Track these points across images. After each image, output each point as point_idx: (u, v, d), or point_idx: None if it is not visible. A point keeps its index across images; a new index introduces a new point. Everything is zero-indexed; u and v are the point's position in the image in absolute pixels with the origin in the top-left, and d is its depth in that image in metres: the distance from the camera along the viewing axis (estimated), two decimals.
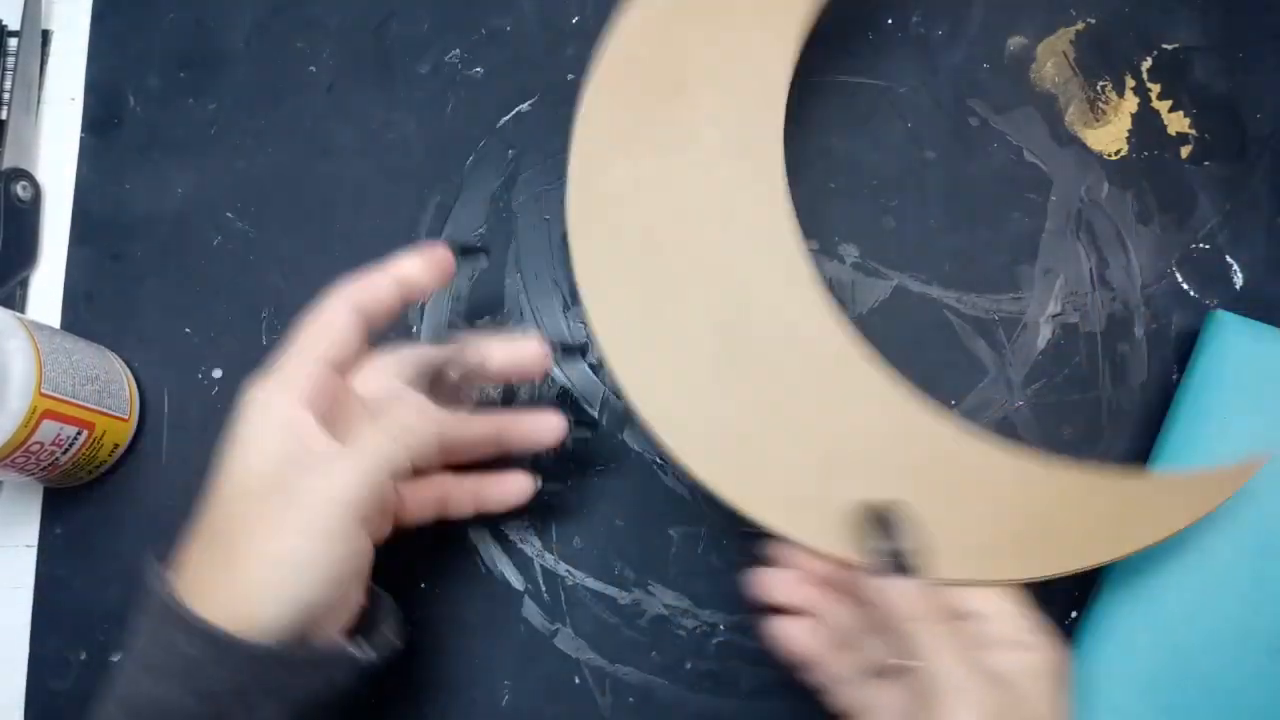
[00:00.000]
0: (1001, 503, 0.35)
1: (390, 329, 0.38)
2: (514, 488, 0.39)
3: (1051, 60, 0.47)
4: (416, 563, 0.43)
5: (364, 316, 0.36)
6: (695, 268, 0.38)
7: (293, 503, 0.31)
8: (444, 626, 0.43)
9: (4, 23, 0.50)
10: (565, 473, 0.43)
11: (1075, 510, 0.35)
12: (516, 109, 0.48)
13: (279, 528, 0.31)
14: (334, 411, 0.34)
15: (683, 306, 0.37)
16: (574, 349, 0.45)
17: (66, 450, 0.42)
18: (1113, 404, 0.43)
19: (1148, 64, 0.47)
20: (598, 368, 0.45)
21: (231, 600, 0.31)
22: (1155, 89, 0.47)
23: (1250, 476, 0.35)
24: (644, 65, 0.40)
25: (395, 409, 0.35)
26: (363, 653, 0.34)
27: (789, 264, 0.38)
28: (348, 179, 0.48)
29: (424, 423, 0.35)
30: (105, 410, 0.43)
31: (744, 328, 0.37)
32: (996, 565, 0.34)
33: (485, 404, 0.41)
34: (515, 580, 0.43)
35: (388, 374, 0.37)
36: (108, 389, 0.43)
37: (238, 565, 0.31)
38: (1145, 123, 0.46)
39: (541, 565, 0.43)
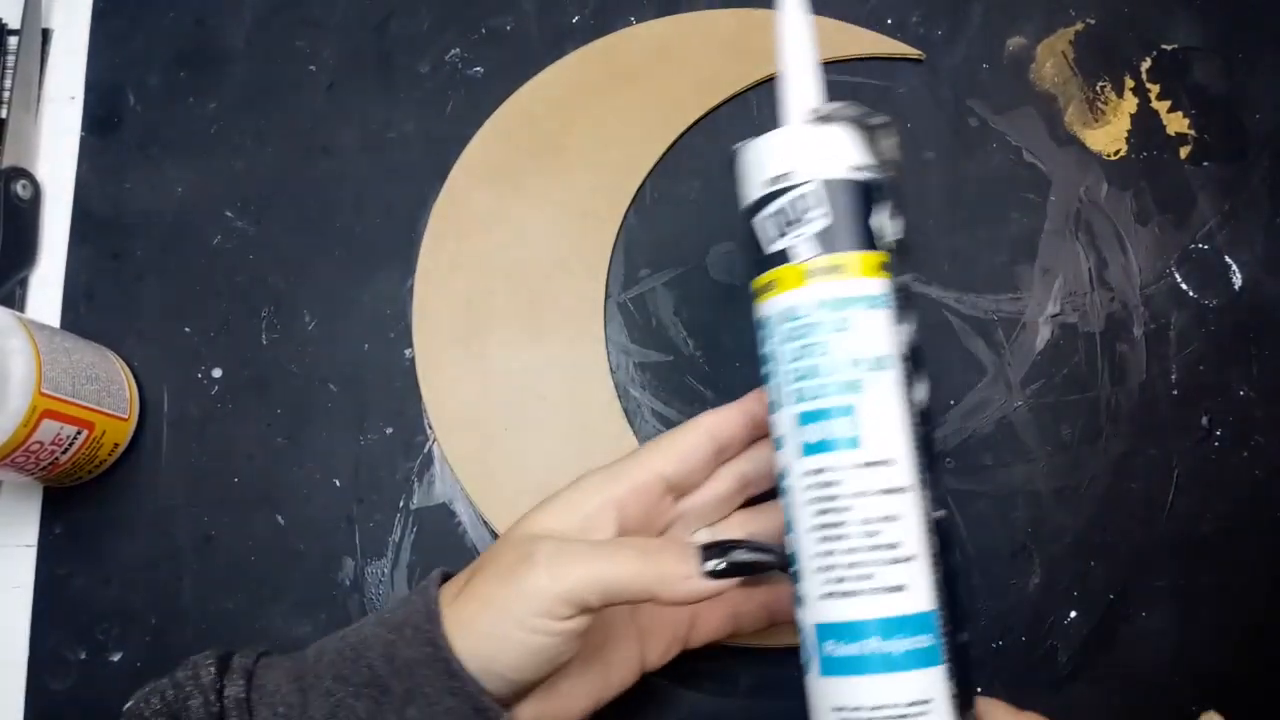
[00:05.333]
0: None
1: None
2: None
3: (1051, 60, 0.47)
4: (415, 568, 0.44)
5: (717, 446, 0.36)
6: (513, 302, 0.45)
7: (513, 583, 0.31)
8: None
9: (4, 21, 0.50)
10: None
11: None
12: None
13: (496, 599, 0.31)
14: (643, 523, 0.35)
15: (493, 343, 0.45)
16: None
17: (66, 450, 0.42)
18: (1111, 404, 0.43)
19: (1147, 64, 0.47)
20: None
21: (469, 638, 0.31)
22: (1154, 89, 0.47)
23: None
24: (536, 121, 0.47)
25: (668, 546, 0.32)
26: None
27: (591, 321, 0.45)
28: (348, 178, 0.48)
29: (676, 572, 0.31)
30: (105, 410, 0.43)
31: (538, 377, 0.44)
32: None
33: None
34: None
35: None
36: (107, 388, 0.43)
37: (476, 609, 0.31)
38: (1144, 123, 0.46)
39: None
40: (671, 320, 0.45)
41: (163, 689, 0.32)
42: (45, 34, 0.51)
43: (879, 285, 0.32)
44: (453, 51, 0.49)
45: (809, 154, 0.32)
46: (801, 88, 0.34)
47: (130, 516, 0.45)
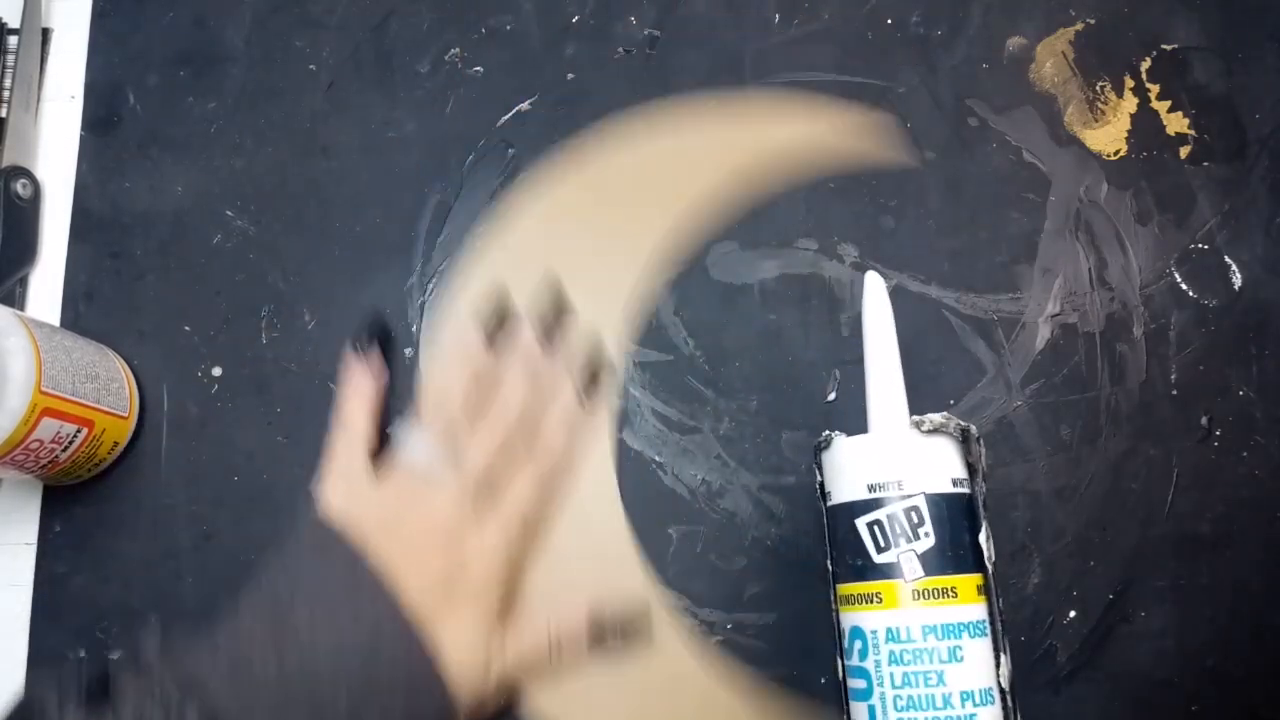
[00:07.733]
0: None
1: None
2: None
3: (1051, 60, 0.47)
4: None
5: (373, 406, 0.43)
6: None
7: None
8: None
9: (4, 20, 0.50)
10: None
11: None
12: (516, 108, 0.48)
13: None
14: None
15: None
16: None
17: (66, 448, 0.42)
18: (1111, 404, 0.43)
19: (1147, 64, 0.47)
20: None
21: None
22: (1154, 89, 0.47)
23: None
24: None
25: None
26: None
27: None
28: (347, 178, 0.48)
29: None
30: (105, 408, 0.43)
31: None
32: None
33: None
34: None
35: None
36: (107, 387, 0.43)
37: None
38: (1144, 123, 0.46)
39: None
40: (671, 320, 0.45)
41: None
42: (45, 34, 0.51)
43: (982, 610, 0.32)
44: (452, 51, 0.49)
45: (914, 466, 0.32)
46: (893, 394, 0.35)
47: (130, 515, 0.45)
